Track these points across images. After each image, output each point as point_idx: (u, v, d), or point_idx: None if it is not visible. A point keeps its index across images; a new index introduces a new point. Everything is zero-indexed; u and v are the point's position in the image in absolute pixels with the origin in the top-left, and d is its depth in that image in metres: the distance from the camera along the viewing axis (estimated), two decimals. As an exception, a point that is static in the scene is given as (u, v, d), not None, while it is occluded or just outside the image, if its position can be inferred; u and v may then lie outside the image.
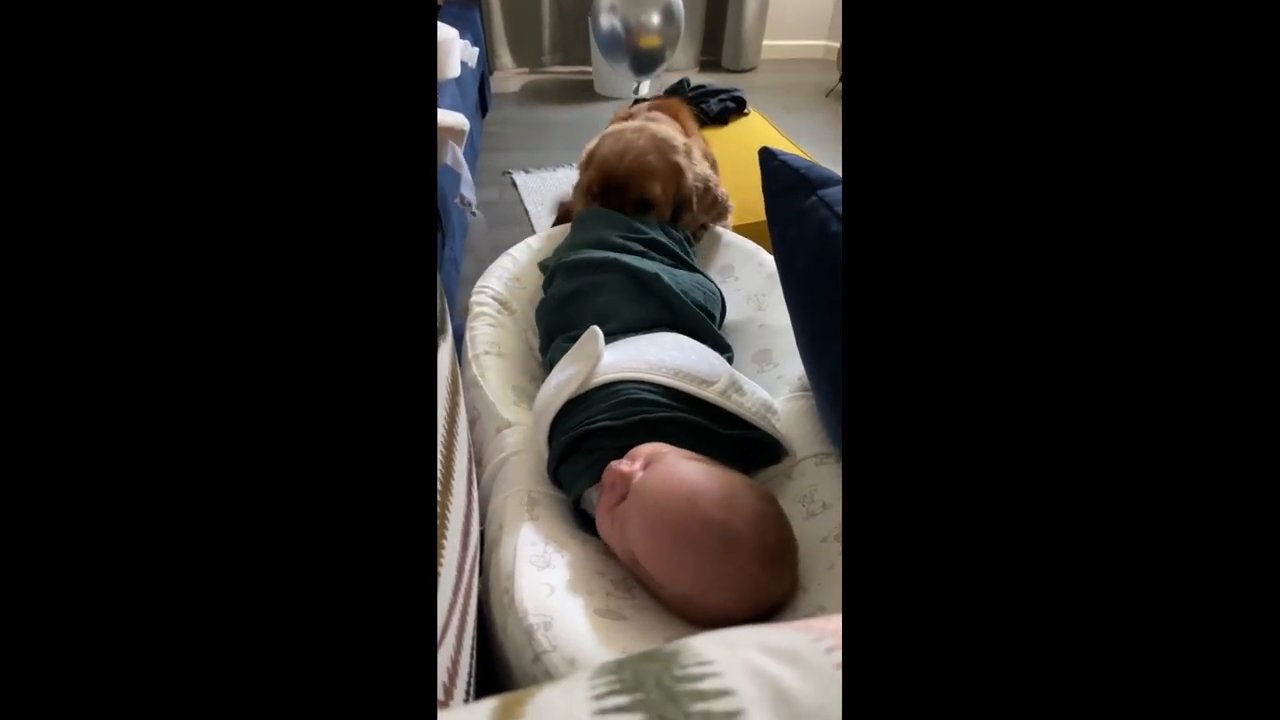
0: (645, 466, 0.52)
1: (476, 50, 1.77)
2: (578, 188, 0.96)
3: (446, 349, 0.48)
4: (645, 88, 2.39)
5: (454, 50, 1.54)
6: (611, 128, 0.94)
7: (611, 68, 2.31)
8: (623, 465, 0.53)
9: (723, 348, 0.73)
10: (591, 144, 0.94)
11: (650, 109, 1.13)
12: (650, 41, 2.18)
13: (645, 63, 2.23)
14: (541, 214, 1.68)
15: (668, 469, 0.50)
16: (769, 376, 0.74)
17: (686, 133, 1.07)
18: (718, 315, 0.78)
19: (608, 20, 2.16)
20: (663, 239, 0.82)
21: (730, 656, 0.18)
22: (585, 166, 0.92)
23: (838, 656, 0.18)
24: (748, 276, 0.86)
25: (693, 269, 0.80)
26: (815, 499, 0.57)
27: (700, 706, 0.16)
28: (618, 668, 0.19)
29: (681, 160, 0.87)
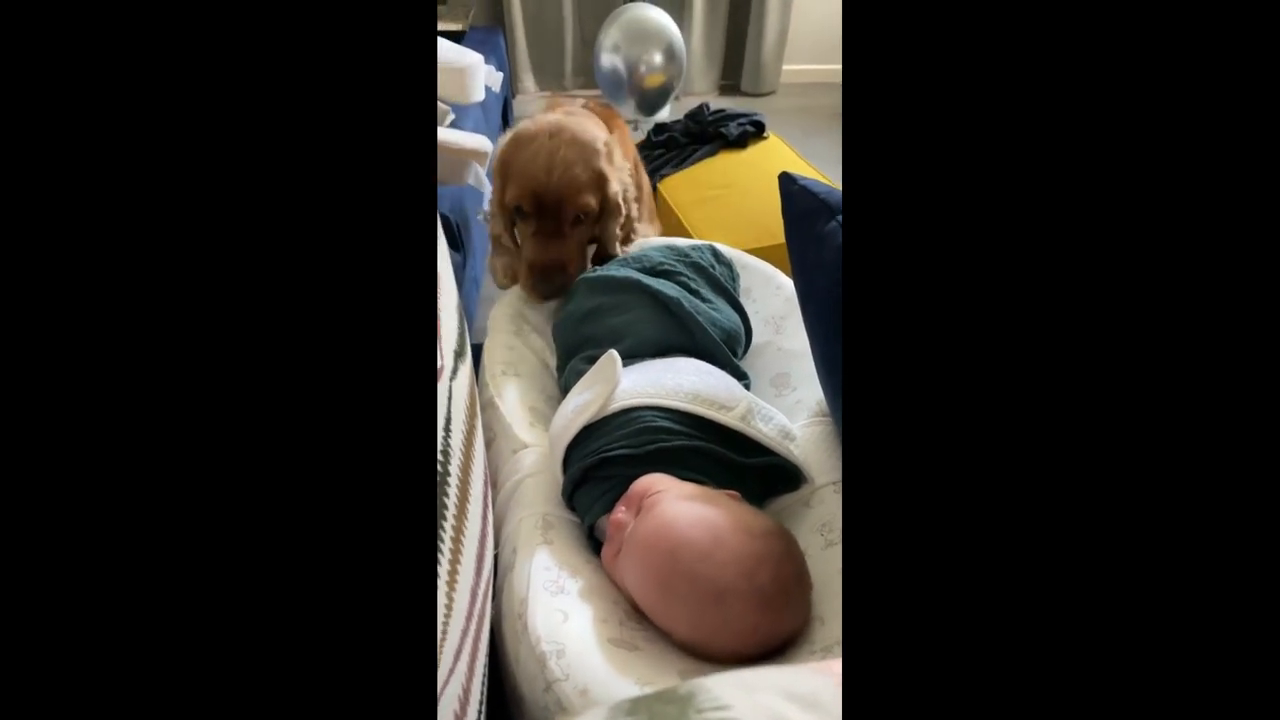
0: (639, 512, 0.51)
1: (501, 75, 1.81)
2: (493, 203, 0.86)
3: (466, 370, 0.48)
4: (666, 112, 2.42)
5: (479, 75, 1.58)
6: (523, 127, 0.83)
7: (616, 107, 2.30)
8: (619, 514, 0.52)
9: (739, 375, 0.72)
10: (503, 145, 0.83)
11: (581, 107, 1.05)
12: (655, 80, 2.18)
13: (653, 102, 2.22)
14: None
15: (655, 520, 0.49)
16: (787, 401, 0.73)
17: (609, 129, 0.99)
18: (740, 349, 0.78)
19: (609, 60, 2.16)
20: (705, 263, 0.81)
21: (749, 702, 0.18)
22: (502, 176, 0.82)
23: (861, 706, 0.17)
24: (766, 299, 0.85)
25: (731, 297, 0.80)
26: (834, 528, 0.56)
27: None
28: (632, 709, 0.18)
29: (604, 167, 0.81)
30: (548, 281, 0.79)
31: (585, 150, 0.79)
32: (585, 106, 1.04)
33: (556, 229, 0.80)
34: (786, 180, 0.62)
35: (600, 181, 0.81)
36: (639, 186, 0.98)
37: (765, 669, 0.20)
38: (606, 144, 0.83)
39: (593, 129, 0.85)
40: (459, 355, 0.46)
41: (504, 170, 0.81)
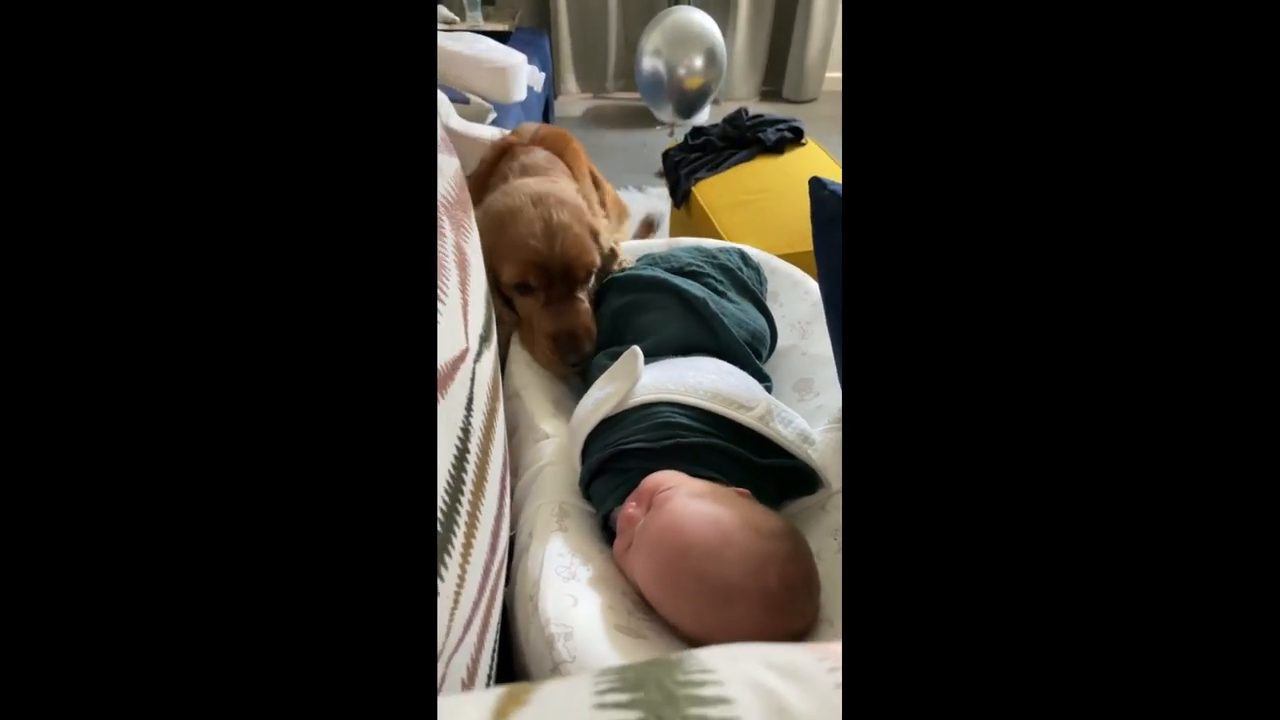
0: (650, 508, 0.52)
1: (543, 75, 1.84)
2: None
3: (490, 354, 0.50)
4: (704, 115, 2.43)
5: (521, 75, 1.61)
6: (494, 202, 0.78)
7: (654, 111, 2.31)
8: (630, 508, 0.53)
9: (761, 378, 0.72)
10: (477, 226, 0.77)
11: (532, 142, 0.96)
12: (694, 83, 2.19)
13: (691, 104, 2.23)
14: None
15: (666, 515, 0.50)
16: (809, 406, 0.73)
17: (575, 171, 0.93)
18: (764, 352, 0.78)
19: (650, 63, 2.18)
20: (732, 265, 0.82)
21: (732, 668, 0.18)
22: (488, 258, 0.73)
23: (839, 676, 0.18)
24: (792, 304, 0.85)
25: (757, 300, 0.81)
26: (848, 533, 0.56)
27: (697, 711, 0.17)
28: (622, 670, 0.19)
29: (593, 220, 0.80)
30: (575, 350, 0.75)
31: (574, 209, 0.78)
32: (535, 139, 0.98)
33: (568, 293, 0.77)
34: (817, 185, 0.62)
35: (595, 234, 0.80)
36: (604, 202, 0.97)
37: (753, 644, 0.21)
38: (584, 195, 0.82)
39: (565, 183, 0.83)
40: (484, 340, 0.47)
41: (488, 252, 0.74)
